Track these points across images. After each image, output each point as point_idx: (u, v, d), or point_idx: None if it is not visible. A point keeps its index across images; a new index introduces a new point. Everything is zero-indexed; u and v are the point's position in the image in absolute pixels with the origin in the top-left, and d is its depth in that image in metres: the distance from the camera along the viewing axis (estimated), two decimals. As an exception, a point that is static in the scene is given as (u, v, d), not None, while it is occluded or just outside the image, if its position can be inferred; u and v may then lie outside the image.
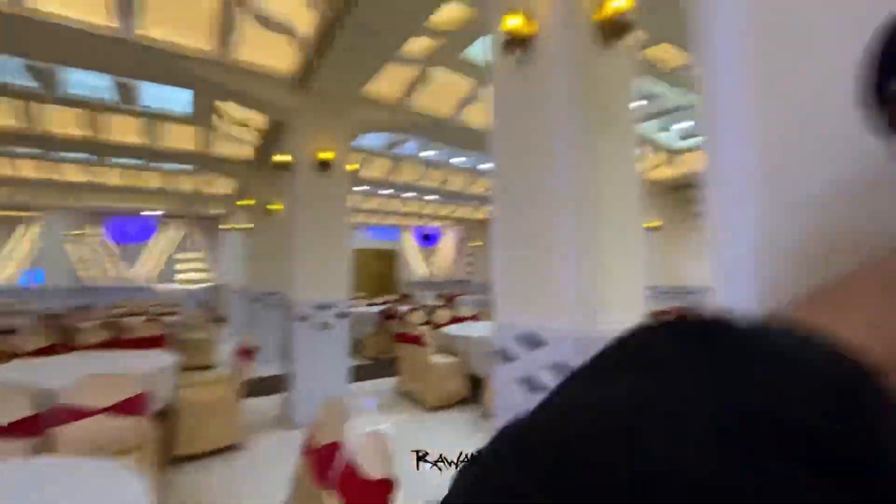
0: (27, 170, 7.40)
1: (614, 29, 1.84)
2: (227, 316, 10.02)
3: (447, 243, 15.42)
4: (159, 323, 4.67)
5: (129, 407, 2.13)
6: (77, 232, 10.96)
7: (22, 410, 1.93)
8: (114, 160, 7.03)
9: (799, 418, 0.10)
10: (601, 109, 1.82)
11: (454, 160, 7.82)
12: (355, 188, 8.75)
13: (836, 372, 0.11)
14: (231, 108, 5.06)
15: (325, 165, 3.86)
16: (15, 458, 1.50)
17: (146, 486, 1.18)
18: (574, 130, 1.76)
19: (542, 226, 1.86)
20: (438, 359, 4.42)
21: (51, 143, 5.52)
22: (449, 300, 10.63)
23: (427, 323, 6.19)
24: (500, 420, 2.00)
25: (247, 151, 6.33)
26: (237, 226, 8.24)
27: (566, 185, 1.76)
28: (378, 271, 14.52)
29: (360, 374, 5.65)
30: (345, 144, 4.10)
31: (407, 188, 8.55)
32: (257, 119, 5.30)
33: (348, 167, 4.34)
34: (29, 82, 4.40)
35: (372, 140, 6.33)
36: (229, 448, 3.15)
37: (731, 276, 0.74)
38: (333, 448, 1.47)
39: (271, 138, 5.35)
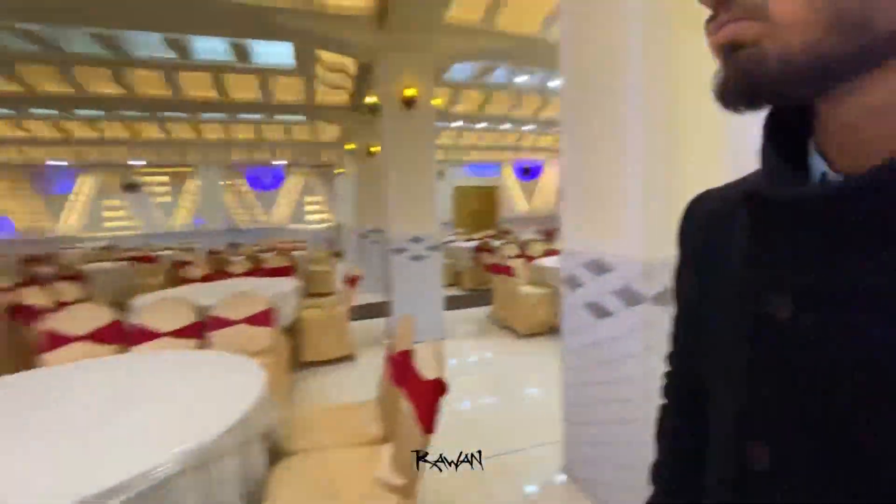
0: (179, 132, 8.84)
1: None
2: (343, 251, 11.23)
3: (549, 176, 14.79)
4: (288, 257, 5.47)
5: (260, 319, 2.65)
6: (228, 182, 12.92)
7: (189, 319, 2.54)
8: (238, 117, 8.02)
9: None
10: None
11: (551, 84, 7.28)
12: (451, 124, 8.76)
13: None
14: (326, 56, 5.34)
15: (409, 103, 3.95)
16: (183, 351, 2.01)
17: (260, 370, 1.53)
18: (646, 26, 1.56)
19: (608, 149, 1.75)
20: (529, 289, 4.51)
21: (191, 106, 6.47)
22: (549, 234, 10.43)
23: (521, 256, 6.25)
24: (569, 343, 2.06)
25: (344, 97, 6.69)
26: (342, 170, 8.90)
27: (636, 96, 1.60)
28: (478, 208, 14.70)
29: (457, 302, 6.04)
30: (428, 79, 4.11)
31: (500, 120, 8.28)
32: (349, 64, 5.52)
33: (433, 101, 4.38)
34: (167, 53, 5.16)
35: (460, 72, 6.18)
36: (344, 358, 3.74)
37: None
38: (404, 355, 1.70)
39: (363, 81, 5.56)
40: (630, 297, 1.70)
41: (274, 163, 13.04)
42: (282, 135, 9.37)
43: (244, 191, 13.46)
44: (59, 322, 2.27)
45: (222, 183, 12.68)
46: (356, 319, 4.99)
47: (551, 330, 4.39)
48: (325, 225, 13.84)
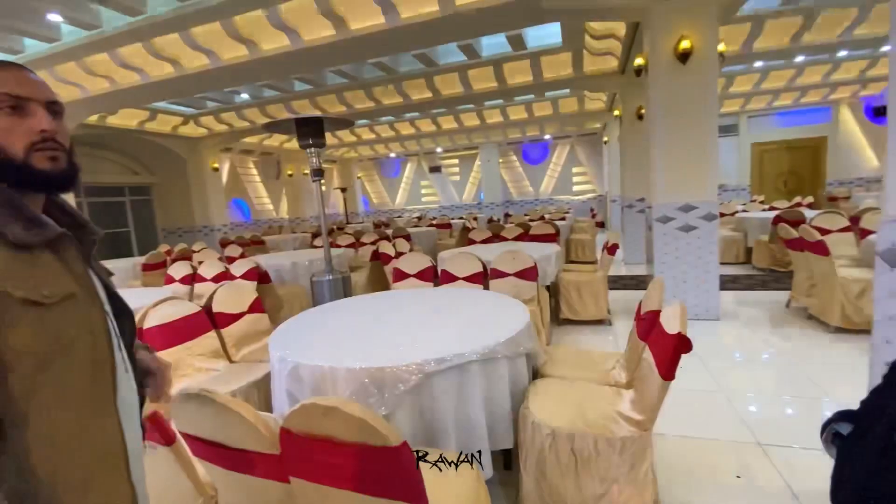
0: (468, 120, 10.54)
1: None
2: (606, 221, 11.04)
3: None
4: (552, 225, 5.93)
5: (527, 274, 3.15)
6: (502, 160, 14.59)
7: (477, 269, 3.27)
8: (514, 99, 8.90)
9: None
10: None
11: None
12: (754, 64, 7.20)
13: None
14: (593, 25, 5.33)
15: (684, 56, 3.60)
16: (474, 290, 2.66)
17: (526, 309, 1.94)
18: None
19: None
20: (854, 272, 3.48)
21: (478, 97, 7.65)
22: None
23: (848, 229, 4.74)
24: (884, 335, 1.63)
25: (612, 63, 6.49)
26: (607, 138, 8.65)
27: None
28: (790, 169, 11.59)
29: (745, 283, 5.18)
30: (709, 24, 3.61)
31: (829, 48, 6.23)
32: (618, 28, 5.33)
33: (720, 49, 3.82)
34: (460, 57, 6.29)
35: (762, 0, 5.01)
36: (598, 322, 3.92)
37: None
38: (652, 314, 1.78)
39: (632, 42, 5.28)
40: None
41: (545, 137, 13.81)
42: (550, 110, 9.84)
43: (516, 166, 14.87)
44: (401, 264, 3.37)
45: (500, 160, 14.37)
46: (617, 289, 5.04)
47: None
48: (590, 196, 13.84)
